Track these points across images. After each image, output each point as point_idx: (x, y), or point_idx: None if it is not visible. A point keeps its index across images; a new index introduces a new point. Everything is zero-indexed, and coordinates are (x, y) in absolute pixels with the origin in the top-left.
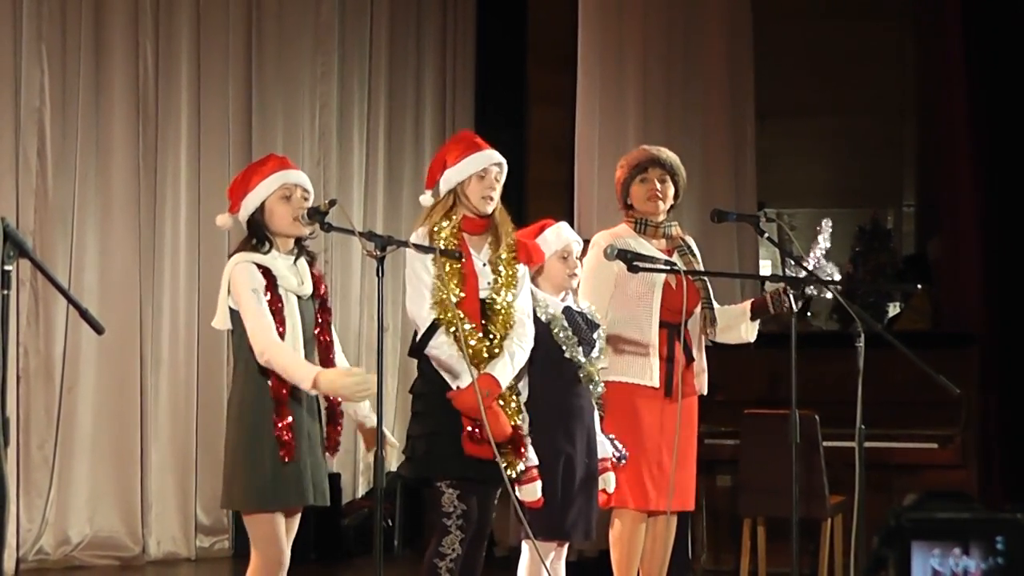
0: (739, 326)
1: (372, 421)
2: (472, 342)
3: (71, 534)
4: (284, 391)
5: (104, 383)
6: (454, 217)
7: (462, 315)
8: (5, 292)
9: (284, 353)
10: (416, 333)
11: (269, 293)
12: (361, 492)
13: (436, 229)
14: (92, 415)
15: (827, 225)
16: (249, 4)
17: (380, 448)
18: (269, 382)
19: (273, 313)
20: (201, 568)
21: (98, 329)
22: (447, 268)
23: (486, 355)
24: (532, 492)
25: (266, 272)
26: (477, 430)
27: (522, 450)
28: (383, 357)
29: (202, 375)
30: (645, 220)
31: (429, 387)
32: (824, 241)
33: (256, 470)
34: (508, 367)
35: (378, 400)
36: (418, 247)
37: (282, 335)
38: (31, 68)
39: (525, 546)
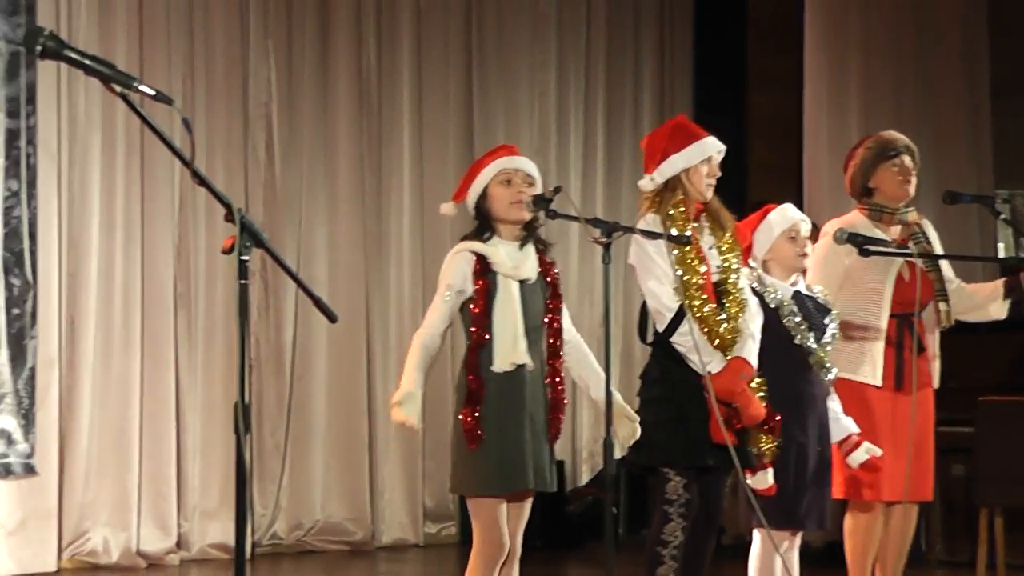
0: (988, 306)
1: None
2: (718, 327)
3: (303, 520)
4: (475, 379)
5: (333, 371)
6: (682, 202)
7: (707, 299)
8: (243, 282)
9: (411, 354)
10: (643, 319)
11: (480, 280)
12: (584, 479)
13: (671, 214)
14: (322, 403)
15: None
16: None
17: (609, 432)
18: (466, 372)
19: (481, 299)
20: (429, 554)
21: (331, 318)
22: (683, 253)
23: (730, 338)
24: (764, 480)
25: (481, 259)
26: (729, 415)
27: (775, 431)
28: (610, 343)
29: None
30: (881, 207)
31: (668, 373)
32: None
33: (478, 455)
34: (754, 348)
35: (606, 388)
36: (645, 233)
37: (485, 322)
38: (258, 63)
39: (757, 535)
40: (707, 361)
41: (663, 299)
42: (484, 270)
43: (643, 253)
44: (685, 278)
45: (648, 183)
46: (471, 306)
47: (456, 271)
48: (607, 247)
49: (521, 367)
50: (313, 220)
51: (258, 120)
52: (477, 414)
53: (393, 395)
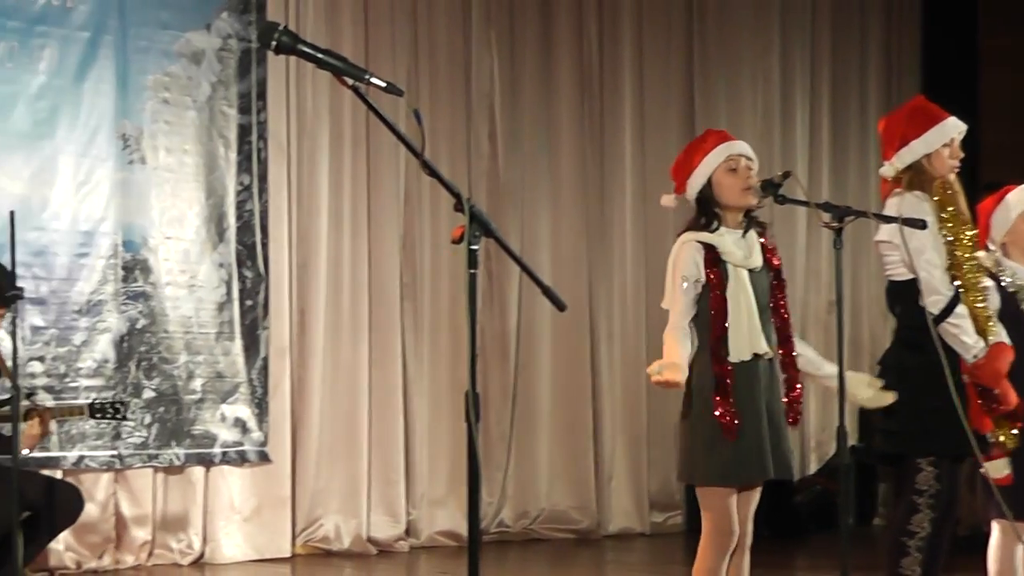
0: None
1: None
2: (983, 312)
3: (529, 508)
4: (722, 369)
5: (557, 360)
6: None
7: (981, 283)
8: (472, 271)
9: (668, 341)
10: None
11: (711, 270)
12: (812, 469)
13: (937, 199)
14: (546, 391)
15: None
16: None
17: (842, 421)
18: (712, 362)
19: (715, 289)
20: (655, 543)
21: (560, 306)
22: (961, 234)
23: (984, 322)
24: (1002, 469)
25: (710, 249)
26: (992, 401)
27: (1019, 419)
28: (842, 329)
29: (652, 351)
30: None
31: (927, 360)
32: None
33: (717, 445)
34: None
35: (839, 376)
36: (880, 217)
37: (724, 311)
38: (481, 53)
39: (996, 526)
40: (975, 346)
41: (939, 283)
42: (714, 260)
43: (918, 236)
44: (963, 260)
45: (889, 170)
46: (707, 296)
47: (688, 262)
48: (838, 232)
49: (758, 356)
50: (536, 209)
51: (481, 111)
52: (731, 404)
53: (653, 364)
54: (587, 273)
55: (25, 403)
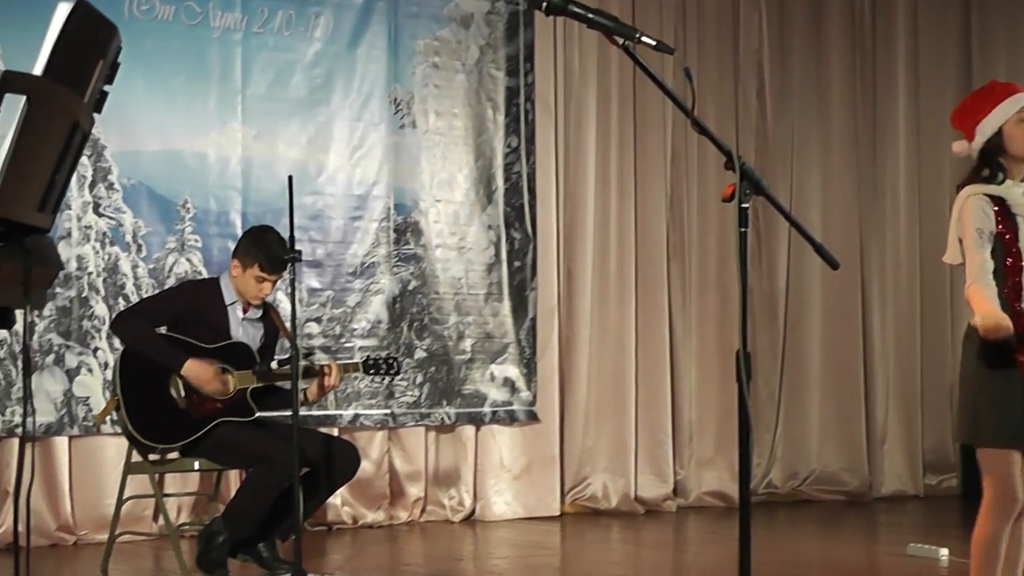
0: None
1: None
2: None
3: (798, 469)
4: (1022, 321)
5: (827, 319)
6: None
7: None
8: (743, 230)
9: (977, 294)
10: None
11: (1002, 222)
12: None
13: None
14: (816, 351)
15: None
16: None
17: None
18: (1016, 317)
19: (1008, 240)
20: (929, 506)
21: (833, 264)
22: None
23: None
24: None
25: (999, 201)
26: None
27: None
28: None
29: (925, 309)
30: None
31: None
32: None
33: (1003, 405)
34: None
35: None
36: None
37: (1020, 262)
38: (749, 9)
39: None
40: None
41: None
42: (1005, 212)
43: None
44: None
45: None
46: (1000, 249)
47: (979, 215)
48: None
49: None
50: (805, 166)
51: (749, 67)
52: None
53: (975, 319)
54: (858, 231)
55: (305, 362)
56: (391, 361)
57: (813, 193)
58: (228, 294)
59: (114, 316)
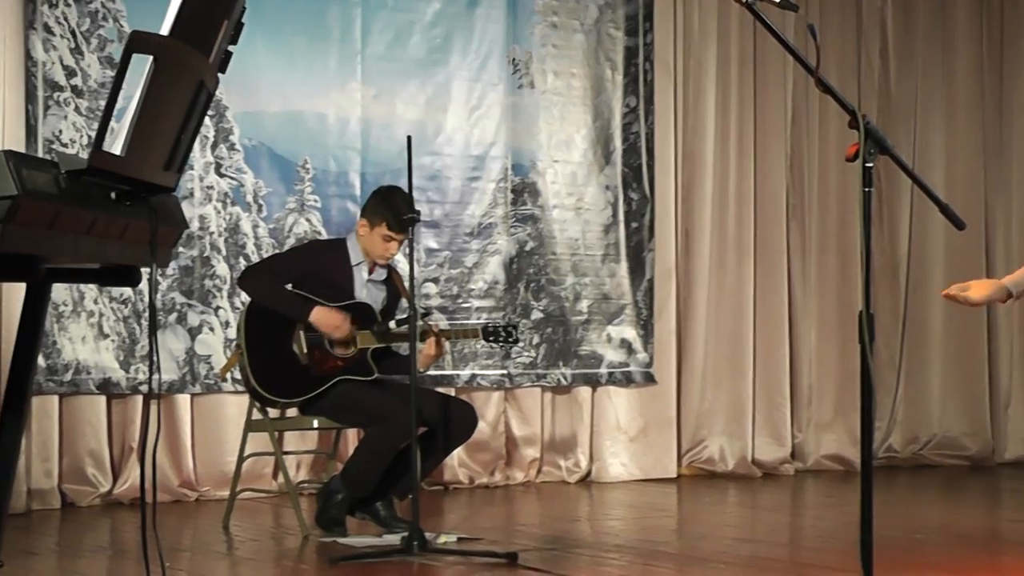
0: None
1: None
2: None
3: (919, 433)
4: None
5: (950, 282)
6: None
7: None
8: (867, 190)
9: None
10: None
11: None
12: None
13: None
14: (938, 314)
15: None
16: None
17: None
18: None
19: None
20: None
21: (959, 225)
22: None
23: None
24: None
25: None
26: None
27: None
28: None
29: None
30: None
31: None
32: None
33: None
34: None
35: None
36: None
37: None
38: None
39: None
40: None
41: None
42: None
43: None
44: None
45: None
46: None
47: None
48: None
49: None
50: (929, 126)
51: (872, 26)
52: None
53: None
54: (983, 192)
55: (420, 323)
56: (510, 330)
57: (937, 154)
58: (355, 254)
59: (242, 270)
